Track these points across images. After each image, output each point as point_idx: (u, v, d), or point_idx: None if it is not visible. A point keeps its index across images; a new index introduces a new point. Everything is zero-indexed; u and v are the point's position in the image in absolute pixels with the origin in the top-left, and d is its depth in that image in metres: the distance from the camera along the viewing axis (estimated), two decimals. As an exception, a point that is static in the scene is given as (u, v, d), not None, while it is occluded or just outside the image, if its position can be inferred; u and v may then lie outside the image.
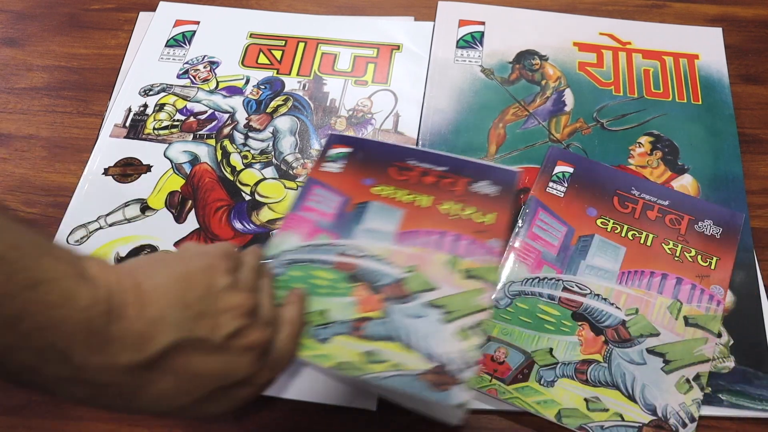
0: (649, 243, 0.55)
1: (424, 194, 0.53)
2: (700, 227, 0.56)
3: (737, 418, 0.48)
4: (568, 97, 0.65)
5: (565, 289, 0.53)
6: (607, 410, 0.48)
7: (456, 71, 0.67)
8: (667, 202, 0.57)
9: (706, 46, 0.69)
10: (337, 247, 0.51)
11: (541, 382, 0.48)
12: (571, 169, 0.59)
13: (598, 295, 0.52)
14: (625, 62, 0.68)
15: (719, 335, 0.51)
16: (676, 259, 0.54)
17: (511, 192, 0.54)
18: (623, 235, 0.55)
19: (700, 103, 0.65)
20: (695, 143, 0.62)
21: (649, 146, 0.61)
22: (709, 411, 0.48)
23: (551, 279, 0.53)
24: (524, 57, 0.68)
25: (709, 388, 0.48)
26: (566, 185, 0.58)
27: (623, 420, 0.47)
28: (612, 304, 0.52)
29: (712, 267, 0.54)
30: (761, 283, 0.54)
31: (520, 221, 0.56)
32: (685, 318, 0.51)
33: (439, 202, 0.53)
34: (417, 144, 0.62)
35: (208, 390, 0.34)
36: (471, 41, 0.69)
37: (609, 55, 0.68)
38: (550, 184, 0.58)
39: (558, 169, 0.59)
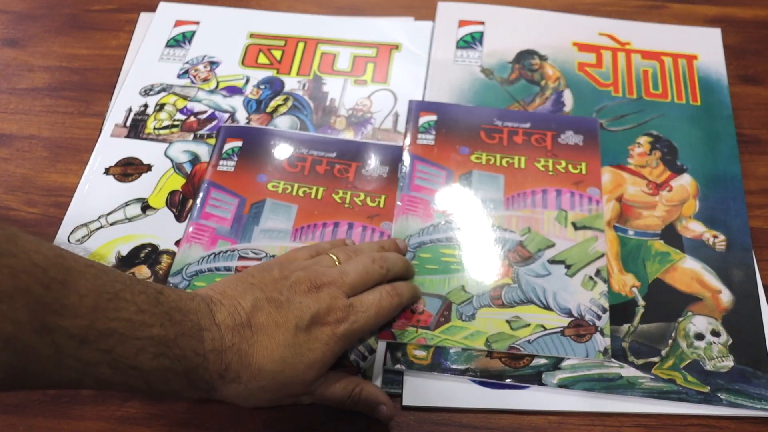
0: (523, 166, 0.59)
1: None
2: (563, 139, 0.60)
3: (736, 418, 0.48)
4: (567, 98, 0.65)
5: (457, 229, 0.56)
6: (529, 325, 0.51)
7: (456, 72, 0.67)
8: (528, 125, 0.61)
9: (705, 47, 0.69)
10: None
11: (463, 318, 0.51)
12: (435, 117, 0.62)
13: (492, 225, 0.56)
14: (624, 63, 0.68)
15: (602, 231, 0.55)
16: (551, 173, 0.58)
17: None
18: (498, 164, 0.59)
19: (699, 103, 0.65)
20: (694, 143, 0.62)
21: (648, 146, 0.62)
22: (707, 410, 0.48)
23: (444, 224, 0.56)
24: (524, 57, 0.68)
25: (708, 388, 0.49)
26: (434, 133, 0.61)
27: (546, 329, 0.50)
28: (506, 229, 0.55)
29: (584, 172, 0.58)
30: (760, 282, 0.54)
31: (400, 179, 0.58)
32: (573, 224, 0.55)
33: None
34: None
35: (291, 332, 0.42)
36: (471, 41, 0.69)
37: (608, 55, 0.68)
38: (419, 135, 0.61)
39: (423, 119, 0.62)
